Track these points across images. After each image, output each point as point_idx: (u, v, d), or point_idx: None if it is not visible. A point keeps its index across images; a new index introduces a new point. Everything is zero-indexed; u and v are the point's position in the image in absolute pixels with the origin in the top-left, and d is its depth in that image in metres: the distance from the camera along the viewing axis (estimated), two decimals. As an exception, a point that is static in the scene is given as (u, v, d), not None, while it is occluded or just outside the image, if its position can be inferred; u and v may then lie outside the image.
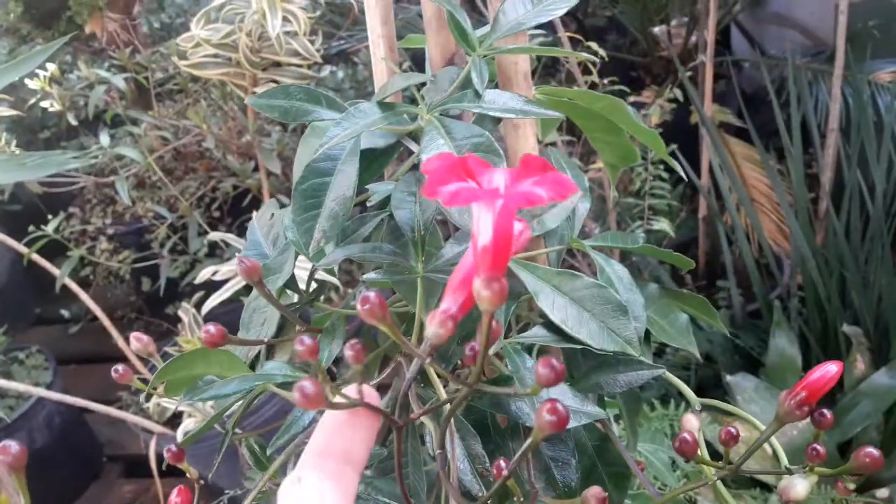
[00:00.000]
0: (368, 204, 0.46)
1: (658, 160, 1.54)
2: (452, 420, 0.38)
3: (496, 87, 0.50)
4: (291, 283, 0.48)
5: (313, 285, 0.50)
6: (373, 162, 0.47)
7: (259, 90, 1.56)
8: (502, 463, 0.34)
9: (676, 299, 0.55)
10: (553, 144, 1.52)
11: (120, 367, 0.42)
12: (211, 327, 0.36)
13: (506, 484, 0.32)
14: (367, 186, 0.47)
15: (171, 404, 1.49)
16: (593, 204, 1.57)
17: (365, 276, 0.40)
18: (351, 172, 0.42)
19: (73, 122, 1.76)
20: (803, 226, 1.50)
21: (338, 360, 0.46)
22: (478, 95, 0.41)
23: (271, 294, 0.40)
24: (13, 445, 0.33)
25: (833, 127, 1.52)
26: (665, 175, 1.59)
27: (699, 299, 0.56)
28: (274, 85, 1.57)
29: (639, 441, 0.93)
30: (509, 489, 0.35)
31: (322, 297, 0.51)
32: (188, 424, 1.41)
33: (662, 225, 1.45)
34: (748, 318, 1.66)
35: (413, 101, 0.45)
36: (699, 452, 0.34)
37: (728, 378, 1.34)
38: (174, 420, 1.55)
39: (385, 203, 0.46)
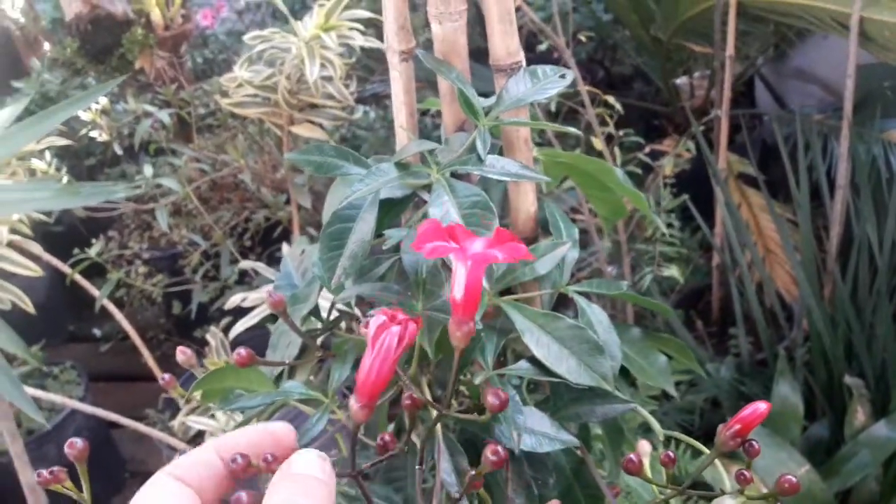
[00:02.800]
0: (384, 247, 0.53)
1: (671, 208, 1.60)
2: (442, 438, 0.44)
3: (501, 149, 0.57)
4: (315, 311, 0.55)
5: (335, 314, 0.57)
6: (390, 210, 0.54)
7: (294, 129, 1.67)
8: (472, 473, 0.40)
9: (657, 342, 0.61)
10: (571, 188, 1.59)
11: (166, 375, 0.49)
12: (242, 350, 0.43)
13: (479, 494, 0.39)
14: (384, 231, 0.54)
15: (195, 424, 1.56)
16: (612, 247, 1.64)
17: (370, 312, 0.47)
18: (370, 220, 0.49)
19: (119, 152, 1.87)
20: (810, 278, 1.55)
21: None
22: (480, 160, 0.49)
23: (294, 322, 0.47)
24: (78, 441, 0.41)
25: (841, 184, 1.57)
26: (678, 223, 1.65)
27: (678, 343, 0.63)
28: (309, 124, 1.67)
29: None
30: (483, 499, 0.42)
31: (343, 325, 0.58)
32: (210, 443, 1.48)
33: (672, 271, 1.51)
34: (756, 365, 1.70)
35: (426, 161, 0.52)
36: (645, 473, 0.40)
37: (731, 423, 1.38)
38: (197, 438, 1.62)
39: (398, 247, 0.53)
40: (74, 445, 0.39)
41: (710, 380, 1.57)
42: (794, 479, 0.36)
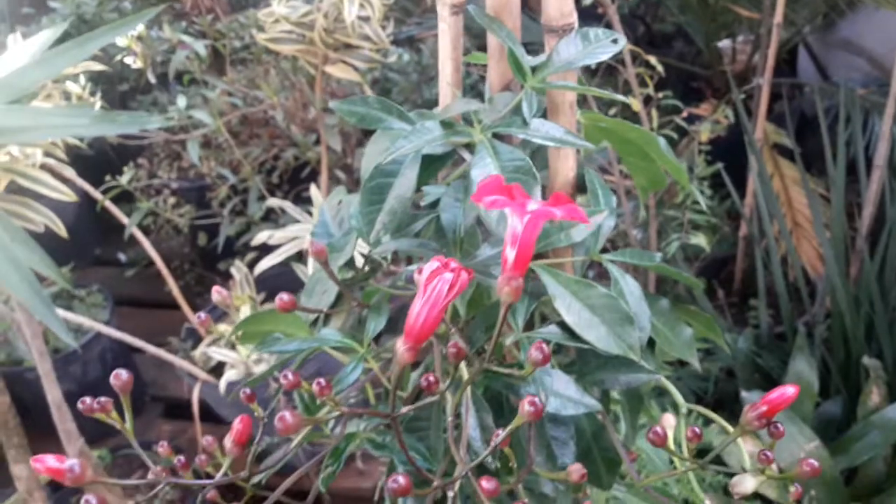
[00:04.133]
0: (422, 203, 0.54)
1: (703, 176, 1.59)
2: (470, 394, 0.45)
3: (545, 110, 0.57)
4: (350, 261, 0.56)
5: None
6: (430, 166, 0.54)
7: (328, 68, 1.65)
8: (500, 432, 0.41)
9: (685, 314, 0.62)
10: (603, 147, 1.57)
11: (202, 314, 0.50)
12: (284, 296, 0.44)
13: (503, 451, 0.40)
14: (422, 188, 0.54)
15: (216, 354, 1.60)
16: (641, 211, 1.63)
17: (408, 268, 0.48)
18: (411, 176, 0.49)
19: (152, 80, 1.87)
20: (838, 256, 1.53)
21: (379, 336, 0.54)
22: (525, 123, 0.48)
23: (333, 272, 0.48)
24: (123, 373, 0.42)
25: (879, 163, 1.54)
26: (708, 191, 1.63)
27: (706, 317, 0.63)
28: (343, 64, 1.66)
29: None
30: (507, 455, 0.43)
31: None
32: (230, 375, 1.52)
33: (699, 240, 1.50)
34: (775, 339, 1.70)
35: (469, 119, 0.52)
36: (670, 446, 0.41)
37: (744, 393, 1.39)
38: (217, 369, 1.66)
39: (436, 204, 0.53)
40: (120, 377, 0.40)
41: (727, 350, 1.57)
42: (815, 463, 0.37)
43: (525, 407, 0.36)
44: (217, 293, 0.53)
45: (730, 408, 1.65)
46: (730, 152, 1.84)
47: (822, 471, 1.25)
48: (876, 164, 1.55)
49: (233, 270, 1.69)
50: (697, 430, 0.40)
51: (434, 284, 0.36)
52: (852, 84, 2.10)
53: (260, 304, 1.67)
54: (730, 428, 0.44)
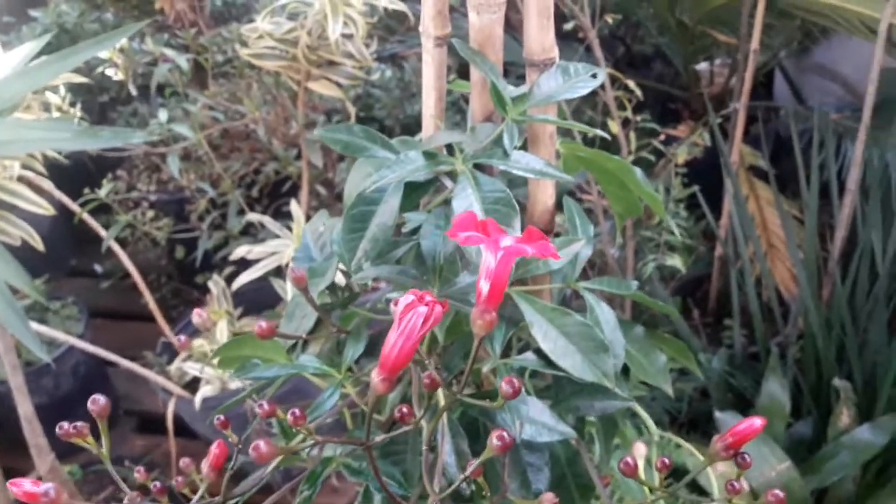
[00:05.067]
0: (403, 230, 0.54)
1: (679, 198, 1.61)
2: (446, 420, 0.46)
3: (525, 141, 0.58)
4: (330, 285, 0.56)
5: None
6: (412, 193, 0.55)
7: (311, 84, 1.66)
8: (474, 461, 0.42)
9: (659, 341, 0.63)
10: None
11: (182, 336, 0.50)
12: (263, 323, 0.45)
13: (476, 480, 0.40)
14: (404, 214, 0.55)
15: (191, 370, 1.59)
16: (618, 236, 1.64)
17: (388, 294, 0.48)
18: (394, 204, 0.50)
19: (134, 92, 1.87)
20: (810, 278, 1.56)
21: (359, 358, 0.55)
22: (506, 154, 0.49)
23: (313, 299, 0.48)
24: (101, 398, 0.42)
25: (851, 187, 1.57)
26: (684, 213, 1.65)
27: (679, 344, 0.64)
28: (326, 81, 1.67)
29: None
30: (480, 484, 0.43)
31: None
32: (206, 391, 1.51)
33: (675, 261, 1.52)
34: (748, 359, 1.72)
35: (452, 148, 0.53)
36: (640, 475, 0.42)
37: (717, 414, 1.41)
38: (192, 384, 1.65)
39: (417, 230, 0.54)
40: (97, 402, 0.40)
41: (700, 370, 1.59)
42: (780, 494, 0.38)
43: (493, 441, 0.37)
44: (197, 316, 0.53)
45: (703, 428, 1.67)
46: (706, 174, 1.87)
47: (792, 491, 1.27)
48: (848, 188, 1.59)
49: (210, 284, 1.68)
50: (667, 460, 0.41)
51: (409, 317, 0.37)
52: (827, 108, 2.14)
53: (237, 319, 1.66)
54: (700, 456, 0.44)
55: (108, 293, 2.41)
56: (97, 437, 0.44)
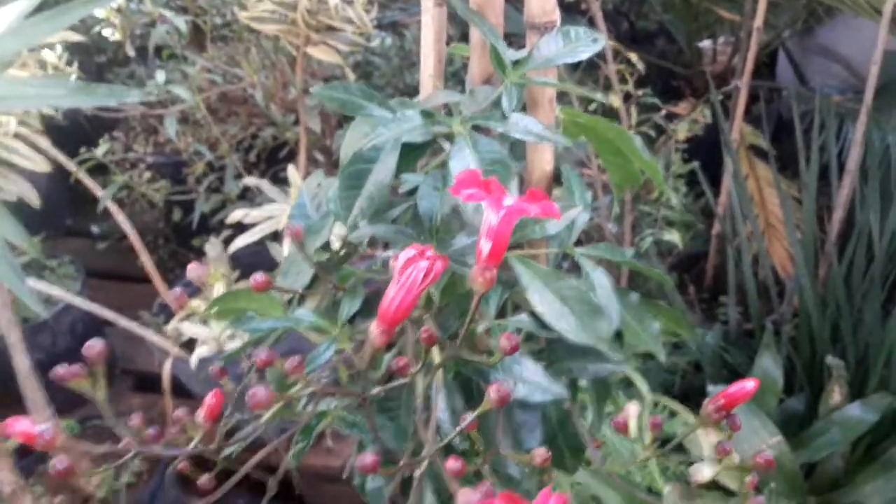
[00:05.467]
0: (400, 191, 0.54)
1: (679, 174, 1.61)
2: (441, 378, 0.46)
3: (525, 104, 0.58)
4: (325, 244, 0.56)
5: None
6: (409, 154, 0.55)
7: (310, 50, 1.65)
8: (468, 415, 0.42)
9: (654, 309, 0.63)
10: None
11: (178, 289, 0.51)
12: (258, 276, 0.45)
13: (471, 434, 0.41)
14: (401, 175, 0.55)
15: (188, 330, 1.59)
16: (615, 207, 1.65)
17: (386, 254, 0.48)
18: (390, 163, 0.50)
19: (131, 53, 1.85)
20: (807, 258, 1.56)
21: (353, 318, 0.55)
22: (504, 117, 0.49)
23: (309, 255, 0.48)
24: (96, 343, 0.42)
25: (851, 168, 1.57)
26: (684, 189, 1.65)
27: (675, 312, 0.64)
28: (325, 46, 1.65)
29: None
30: (474, 438, 0.44)
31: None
32: (202, 351, 1.52)
33: (672, 236, 1.52)
34: (742, 336, 1.73)
35: (450, 110, 0.53)
36: (630, 434, 0.42)
37: (710, 387, 1.42)
38: (189, 345, 1.65)
39: (414, 191, 0.54)
40: (92, 348, 0.41)
41: (694, 345, 1.60)
42: (769, 456, 0.39)
43: (491, 394, 0.38)
44: (193, 269, 0.54)
45: (696, 401, 1.68)
46: (706, 151, 1.87)
47: (782, 464, 1.28)
48: (848, 170, 1.59)
49: (207, 247, 1.68)
50: (658, 420, 0.41)
51: (409, 271, 0.37)
52: (829, 90, 2.14)
53: (234, 282, 1.66)
54: (692, 419, 0.45)
55: (105, 254, 2.40)
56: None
